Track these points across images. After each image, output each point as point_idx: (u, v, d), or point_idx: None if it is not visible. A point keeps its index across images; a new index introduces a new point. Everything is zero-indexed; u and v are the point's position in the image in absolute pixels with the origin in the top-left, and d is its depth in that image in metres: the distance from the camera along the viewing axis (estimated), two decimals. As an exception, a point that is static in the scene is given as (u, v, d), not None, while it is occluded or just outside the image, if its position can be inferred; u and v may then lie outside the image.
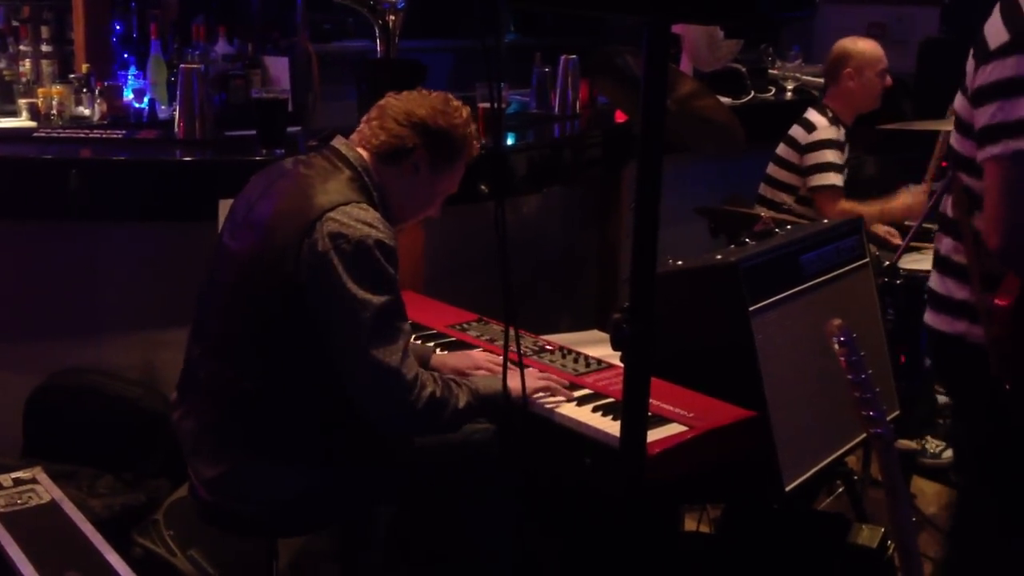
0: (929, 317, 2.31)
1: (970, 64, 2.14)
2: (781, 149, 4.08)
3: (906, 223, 4.04)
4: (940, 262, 2.29)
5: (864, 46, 4.03)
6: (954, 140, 2.22)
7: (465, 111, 2.36)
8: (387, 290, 2.13)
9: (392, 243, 2.14)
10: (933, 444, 3.87)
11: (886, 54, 4.07)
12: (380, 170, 2.28)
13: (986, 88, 2.05)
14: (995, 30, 2.06)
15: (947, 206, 2.29)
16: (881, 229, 4.11)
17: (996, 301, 2.10)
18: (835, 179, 3.91)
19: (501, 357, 2.53)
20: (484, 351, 2.56)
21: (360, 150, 2.29)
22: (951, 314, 2.24)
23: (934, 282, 2.31)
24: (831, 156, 3.92)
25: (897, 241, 4.03)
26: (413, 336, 2.71)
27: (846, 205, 3.89)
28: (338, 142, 2.32)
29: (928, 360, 3.68)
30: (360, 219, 2.12)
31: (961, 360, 2.24)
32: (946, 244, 2.27)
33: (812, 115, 4.02)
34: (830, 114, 4.00)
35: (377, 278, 2.12)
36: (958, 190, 2.20)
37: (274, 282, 2.13)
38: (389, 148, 2.28)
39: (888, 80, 4.05)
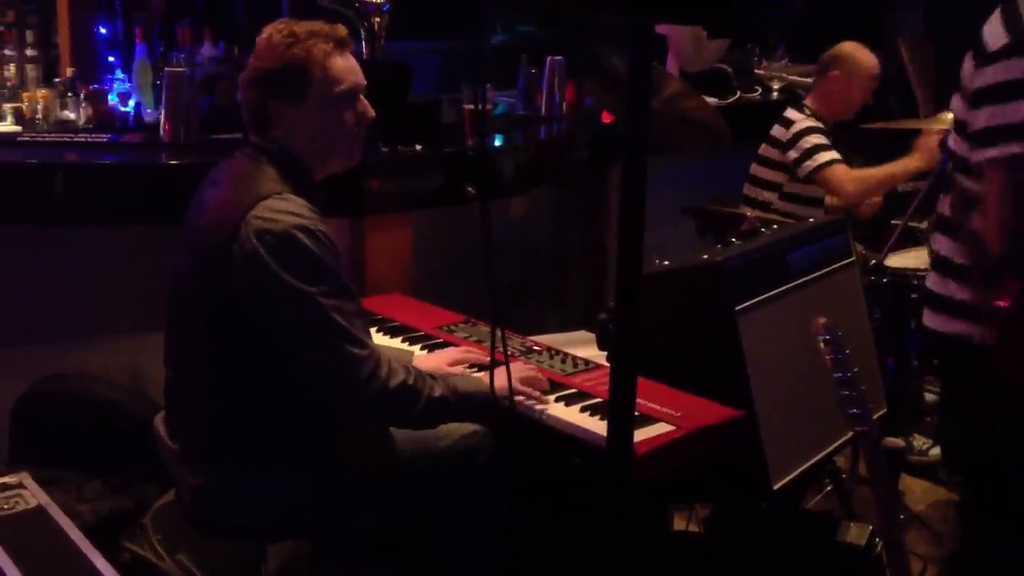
0: (929, 319, 2.28)
1: (967, 66, 2.14)
2: (763, 148, 4.10)
3: (893, 222, 4.05)
4: (940, 263, 2.26)
5: (862, 56, 4.06)
6: (952, 142, 2.21)
7: (286, 31, 2.17)
8: (325, 275, 2.08)
9: (317, 227, 2.08)
10: (920, 441, 3.88)
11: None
12: (274, 140, 2.20)
13: (984, 90, 2.05)
14: (995, 33, 2.06)
15: (944, 206, 2.28)
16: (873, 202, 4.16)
17: (997, 302, 2.09)
18: (829, 155, 3.89)
19: (476, 350, 2.54)
20: (463, 348, 2.56)
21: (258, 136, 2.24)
22: (952, 315, 2.21)
23: (934, 283, 2.28)
24: (816, 139, 3.92)
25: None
26: (401, 338, 2.72)
27: (852, 174, 3.89)
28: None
29: (915, 359, 3.71)
30: (281, 209, 2.07)
31: (964, 361, 2.22)
32: (946, 246, 2.24)
33: (790, 113, 4.05)
34: (807, 112, 4.03)
35: (313, 265, 2.06)
36: (957, 191, 2.19)
37: (217, 295, 2.11)
38: (252, 119, 2.22)
39: (869, 98, 4.07)
